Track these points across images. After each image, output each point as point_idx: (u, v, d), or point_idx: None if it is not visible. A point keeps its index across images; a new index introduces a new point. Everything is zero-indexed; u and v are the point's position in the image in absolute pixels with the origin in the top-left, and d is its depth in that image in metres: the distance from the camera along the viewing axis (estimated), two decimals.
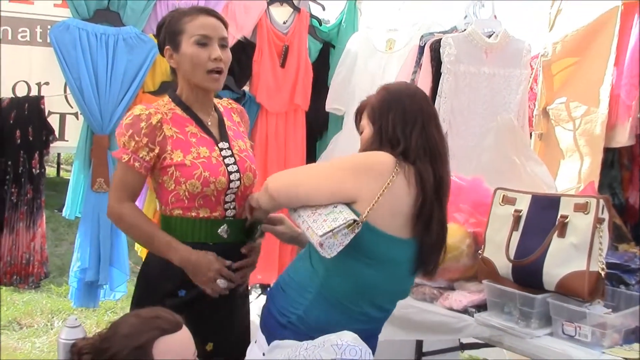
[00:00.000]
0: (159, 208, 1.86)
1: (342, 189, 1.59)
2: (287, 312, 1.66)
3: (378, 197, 1.55)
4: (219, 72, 1.79)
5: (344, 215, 1.53)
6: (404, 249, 1.63)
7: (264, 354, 1.65)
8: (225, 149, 1.83)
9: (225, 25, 1.84)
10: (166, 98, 1.85)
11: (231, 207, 1.82)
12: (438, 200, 1.63)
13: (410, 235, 1.62)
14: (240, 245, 1.85)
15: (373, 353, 1.62)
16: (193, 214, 1.77)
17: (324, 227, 1.52)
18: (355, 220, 1.52)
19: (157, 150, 1.74)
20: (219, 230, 1.80)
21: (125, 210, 1.77)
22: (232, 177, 1.79)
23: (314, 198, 1.62)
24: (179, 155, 1.74)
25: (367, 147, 1.68)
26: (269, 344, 1.65)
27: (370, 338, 1.61)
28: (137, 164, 1.73)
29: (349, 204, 1.58)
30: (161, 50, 1.86)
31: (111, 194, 1.80)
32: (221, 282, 1.76)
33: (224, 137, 1.86)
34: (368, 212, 1.55)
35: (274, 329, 1.66)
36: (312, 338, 1.50)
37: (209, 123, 1.85)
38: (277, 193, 1.70)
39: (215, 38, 1.78)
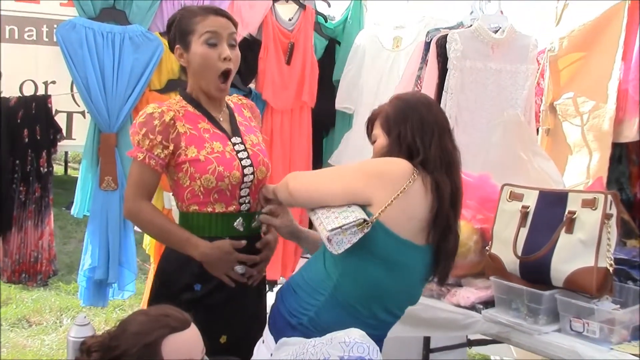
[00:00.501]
0: (176, 205, 1.88)
1: (356, 191, 1.61)
2: (297, 313, 1.67)
3: (392, 200, 1.56)
4: (227, 76, 1.81)
5: (356, 214, 1.56)
6: (417, 255, 1.64)
7: (272, 355, 1.65)
8: (238, 143, 1.85)
9: (235, 25, 1.85)
10: (177, 96, 1.88)
11: (246, 201, 1.84)
12: (453, 210, 1.65)
13: (425, 242, 1.63)
14: (256, 238, 1.87)
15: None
16: (209, 209, 1.80)
17: (334, 223, 1.54)
18: (365, 220, 1.54)
19: (171, 148, 1.76)
20: (235, 224, 1.83)
21: (143, 207, 1.79)
22: (245, 171, 1.81)
23: (330, 199, 1.64)
24: (193, 151, 1.76)
25: (382, 156, 1.69)
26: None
27: (376, 343, 1.61)
28: (152, 162, 1.75)
29: (364, 207, 1.60)
30: (171, 48, 1.88)
31: (128, 193, 1.82)
32: (239, 268, 1.81)
33: (235, 132, 1.88)
34: (380, 213, 1.56)
35: (283, 330, 1.67)
36: None
37: (221, 119, 1.87)
38: (296, 193, 1.73)
39: (224, 37, 1.79)
